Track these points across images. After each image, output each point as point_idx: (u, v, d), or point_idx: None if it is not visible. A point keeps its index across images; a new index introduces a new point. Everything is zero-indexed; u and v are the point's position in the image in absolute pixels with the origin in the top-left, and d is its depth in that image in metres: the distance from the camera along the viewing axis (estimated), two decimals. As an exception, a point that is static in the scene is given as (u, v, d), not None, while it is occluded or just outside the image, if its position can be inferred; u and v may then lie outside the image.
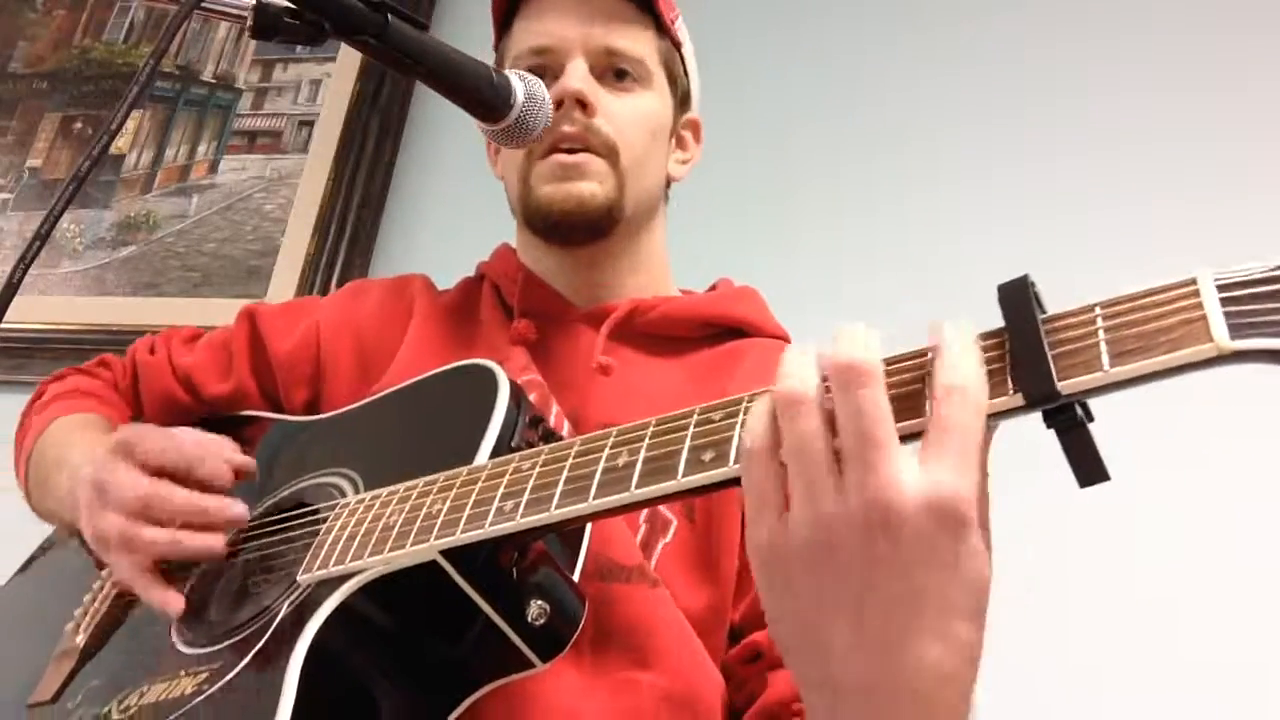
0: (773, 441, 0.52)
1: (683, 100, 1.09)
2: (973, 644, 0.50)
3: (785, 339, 1.05)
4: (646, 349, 1.00)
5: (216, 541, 0.81)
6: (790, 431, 0.51)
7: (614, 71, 1.01)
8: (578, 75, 0.98)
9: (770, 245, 1.69)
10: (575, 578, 0.72)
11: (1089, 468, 0.48)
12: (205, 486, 0.84)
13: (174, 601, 0.79)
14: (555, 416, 0.90)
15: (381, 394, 0.92)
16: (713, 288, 1.10)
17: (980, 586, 0.50)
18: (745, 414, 0.57)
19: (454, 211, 1.93)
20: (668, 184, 1.10)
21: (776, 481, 0.52)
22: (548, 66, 1.00)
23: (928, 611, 0.49)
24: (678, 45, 1.08)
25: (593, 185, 0.97)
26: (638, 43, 1.03)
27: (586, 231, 0.99)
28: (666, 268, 1.10)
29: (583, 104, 0.97)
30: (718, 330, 1.03)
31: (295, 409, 1.04)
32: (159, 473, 0.82)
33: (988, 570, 0.50)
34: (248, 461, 0.87)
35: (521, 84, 0.91)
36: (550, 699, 0.77)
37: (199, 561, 0.83)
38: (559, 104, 0.96)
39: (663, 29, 1.05)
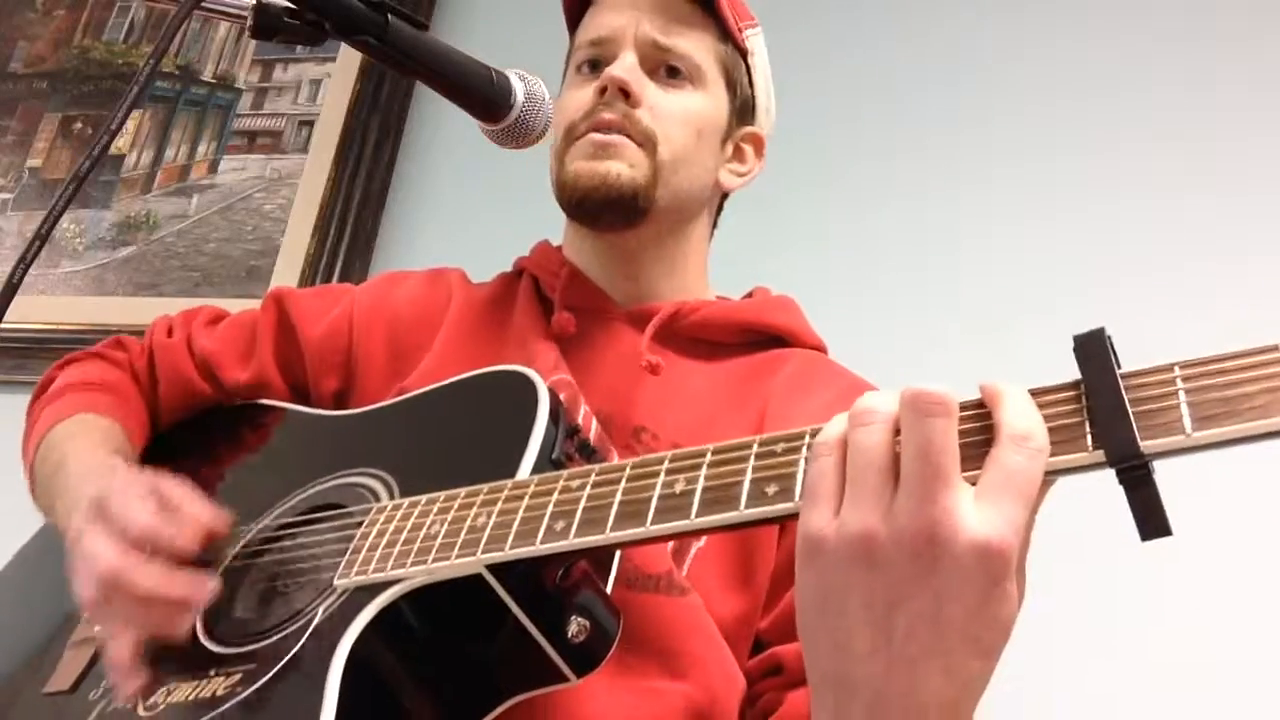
0: (840, 442, 0.54)
1: (742, 109, 1.07)
2: (981, 680, 0.52)
3: (823, 349, 1.05)
4: (687, 352, 0.99)
5: (180, 622, 0.76)
6: (856, 436, 0.53)
7: (666, 68, 1.01)
8: (624, 64, 0.98)
9: (760, 247, 1.69)
10: (609, 590, 0.72)
11: (1155, 522, 0.49)
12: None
13: (133, 682, 0.75)
14: (585, 417, 0.89)
15: (415, 394, 0.91)
16: (749, 295, 1.10)
17: (1004, 629, 0.51)
18: (807, 449, 0.58)
19: (454, 211, 1.93)
20: (723, 195, 1.09)
21: (836, 479, 0.53)
22: (602, 58, 1.01)
23: (949, 640, 0.50)
24: (744, 54, 1.07)
25: (621, 166, 0.96)
26: (692, 42, 1.02)
27: (611, 213, 0.97)
28: (704, 275, 1.09)
29: (625, 92, 0.97)
30: (757, 338, 1.02)
31: (323, 398, 1.02)
32: (129, 540, 0.77)
33: (1015, 614, 0.52)
34: (218, 529, 0.81)
35: (521, 84, 0.91)
36: (576, 706, 0.76)
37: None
38: (602, 90, 0.97)
39: (727, 34, 1.05)
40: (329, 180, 1.99)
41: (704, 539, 0.86)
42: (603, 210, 0.97)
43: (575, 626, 0.68)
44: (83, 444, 0.96)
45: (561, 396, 0.86)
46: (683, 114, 1.00)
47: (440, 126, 2.02)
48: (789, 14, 1.91)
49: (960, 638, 0.50)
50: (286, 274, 1.92)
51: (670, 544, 0.85)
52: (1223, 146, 1.62)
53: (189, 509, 0.80)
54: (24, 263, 0.63)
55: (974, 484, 0.51)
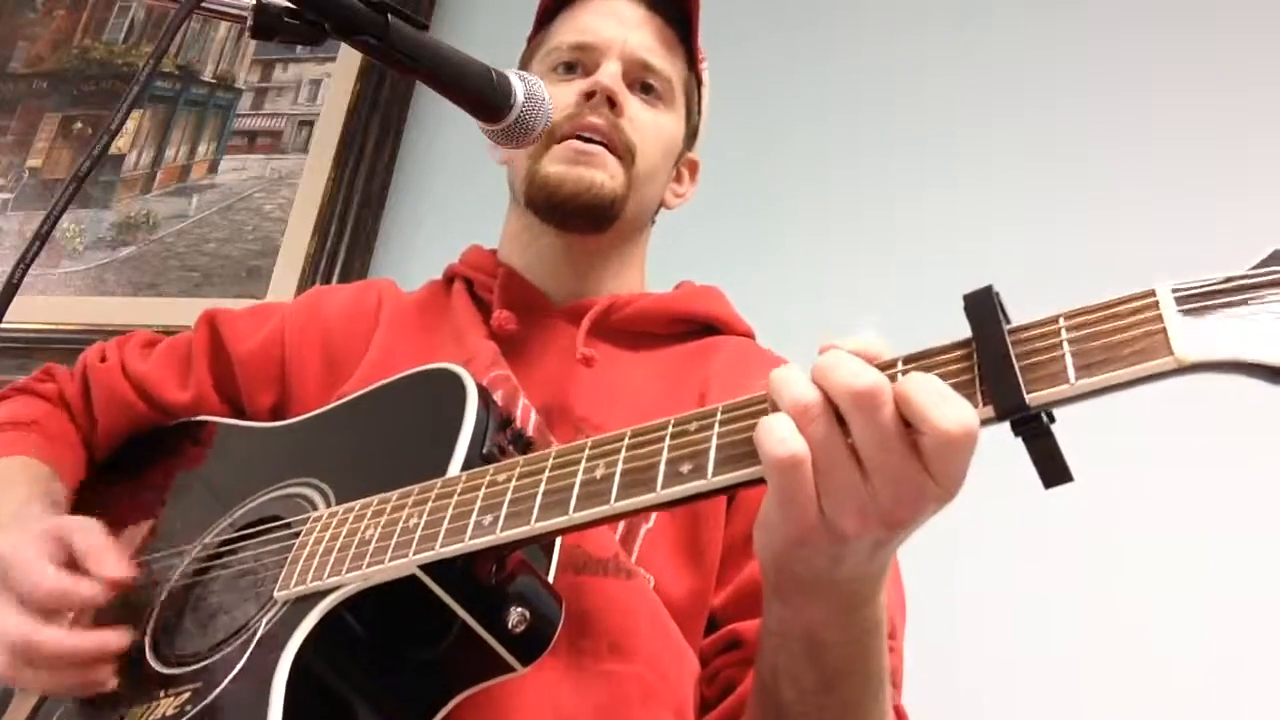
0: (805, 448, 0.56)
1: (691, 134, 1.12)
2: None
3: (751, 335, 1.08)
4: (623, 344, 1.01)
5: (101, 676, 0.76)
6: (816, 436, 0.55)
7: (642, 85, 1.04)
8: (611, 73, 1.01)
9: (757, 247, 1.69)
10: (550, 578, 0.73)
11: (1054, 471, 0.52)
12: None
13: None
14: (523, 410, 0.90)
15: (346, 399, 0.91)
16: (677, 288, 1.12)
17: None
18: (719, 424, 0.60)
19: (454, 211, 1.92)
20: (658, 208, 1.12)
21: (811, 489, 0.56)
22: (581, 63, 1.04)
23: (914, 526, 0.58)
24: (700, 83, 1.12)
25: (604, 176, 0.99)
26: (671, 65, 1.07)
27: (587, 218, 1.00)
28: (643, 277, 1.12)
29: (612, 101, 1.00)
30: (690, 328, 1.05)
31: (259, 413, 1.02)
32: (35, 606, 0.76)
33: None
34: (122, 577, 0.79)
35: (522, 84, 0.91)
36: (528, 693, 0.77)
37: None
38: (589, 95, 0.99)
39: (692, 63, 1.09)
40: (329, 180, 1.99)
41: (652, 519, 0.87)
42: (577, 215, 1.00)
43: (515, 617, 0.68)
44: (4, 491, 0.92)
45: (499, 392, 0.87)
46: (656, 131, 1.04)
47: (440, 126, 2.02)
48: (790, 14, 1.91)
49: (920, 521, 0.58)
50: (286, 274, 1.92)
51: (619, 527, 0.86)
52: (1223, 146, 1.62)
53: (96, 556, 0.79)
54: (24, 263, 0.63)
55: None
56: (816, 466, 0.55)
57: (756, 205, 1.78)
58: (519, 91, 0.91)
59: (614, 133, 0.99)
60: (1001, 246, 1.64)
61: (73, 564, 0.79)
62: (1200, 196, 1.59)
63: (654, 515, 0.88)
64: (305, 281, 1.89)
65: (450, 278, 1.11)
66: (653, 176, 1.04)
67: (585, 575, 0.82)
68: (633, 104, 1.02)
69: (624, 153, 1.00)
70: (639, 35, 1.04)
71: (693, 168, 1.16)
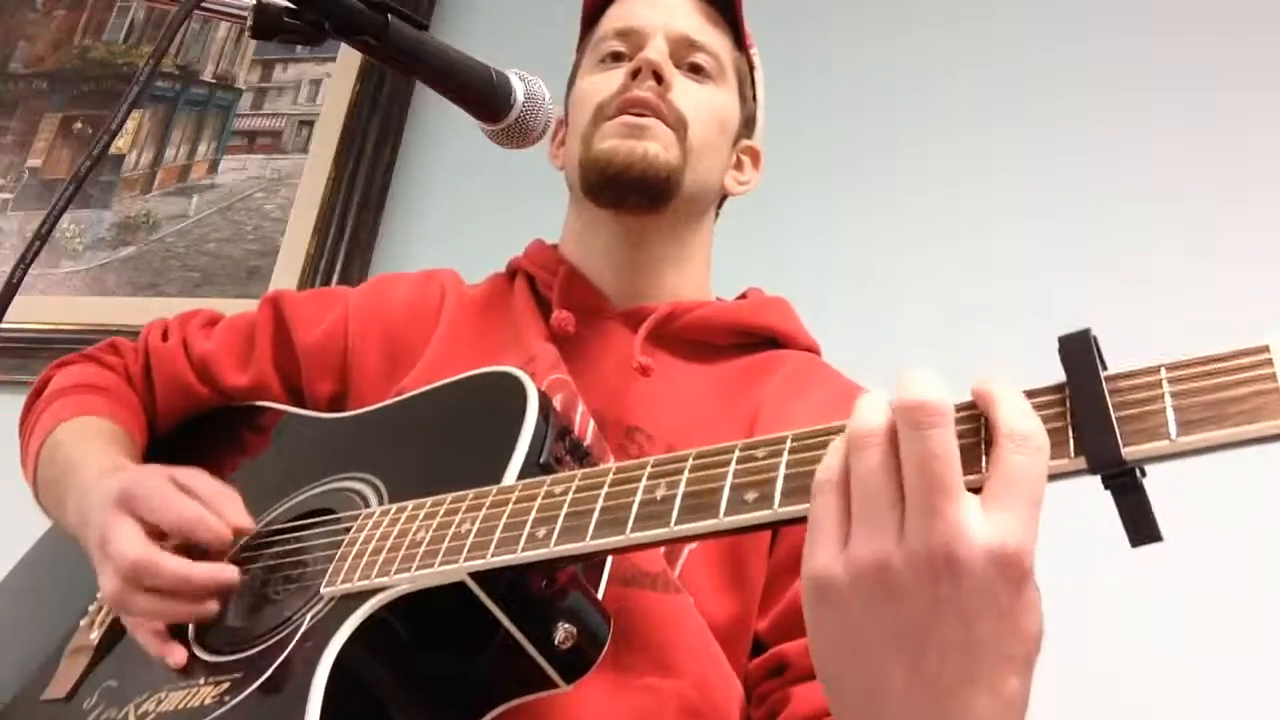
0: (843, 475, 0.51)
1: (748, 120, 1.10)
2: (1022, 696, 0.50)
3: (816, 351, 1.05)
4: (681, 353, 0.99)
5: (205, 608, 0.79)
6: (857, 465, 0.50)
7: (690, 65, 1.03)
8: (656, 50, 1.00)
9: (761, 250, 1.69)
10: (600, 595, 0.72)
11: (1144, 529, 0.48)
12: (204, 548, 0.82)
13: (174, 654, 0.78)
14: (582, 417, 0.89)
15: (407, 396, 0.91)
16: (743, 296, 1.10)
17: (1035, 638, 0.50)
18: (788, 453, 0.57)
19: (454, 211, 1.93)
20: (722, 198, 1.10)
21: (840, 515, 0.51)
22: (628, 50, 1.03)
23: (984, 661, 0.49)
24: (751, 66, 1.10)
25: (657, 146, 0.97)
26: (718, 42, 1.05)
27: (642, 193, 0.97)
28: (707, 274, 1.09)
29: (659, 76, 0.98)
30: (751, 340, 1.02)
31: (318, 401, 1.02)
32: (157, 533, 0.80)
33: (1041, 622, 0.50)
34: (246, 525, 0.84)
35: (521, 84, 0.91)
36: (569, 706, 0.76)
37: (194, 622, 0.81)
38: (635, 73, 0.98)
39: (741, 44, 1.08)
40: (329, 180, 1.99)
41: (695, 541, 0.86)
42: (632, 190, 0.97)
43: (562, 633, 0.67)
44: (92, 445, 0.96)
45: (559, 397, 0.86)
46: (708, 104, 1.02)
47: (440, 126, 2.02)
48: (794, 14, 1.91)
49: (995, 656, 0.49)
50: (286, 274, 1.92)
51: (662, 547, 0.85)
52: (1223, 146, 1.63)
53: (218, 502, 0.82)
54: (24, 263, 0.63)
55: (978, 490, 0.49)
56: (853, 493, 0.50)
57: (757, 205, 1.78)
58: (519, 91, 0.91)
59: (663, 106, 0.98)
60: (1001, 246, 1.64)
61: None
62: (1200, 197, 1.60)
63: None
64: (305, 282, 1.89)
65: (513, 272, 1.09)
66: (708, 151, 1.01)
67: (633, 589, 0.81)
68: (680, 80, 1.01)
69: (676, 124, 0.98)
70: (683, 15, 1.04)
71: (754, 156, 1.11)
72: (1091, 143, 1.69)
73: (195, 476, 0.85)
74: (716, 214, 1.11)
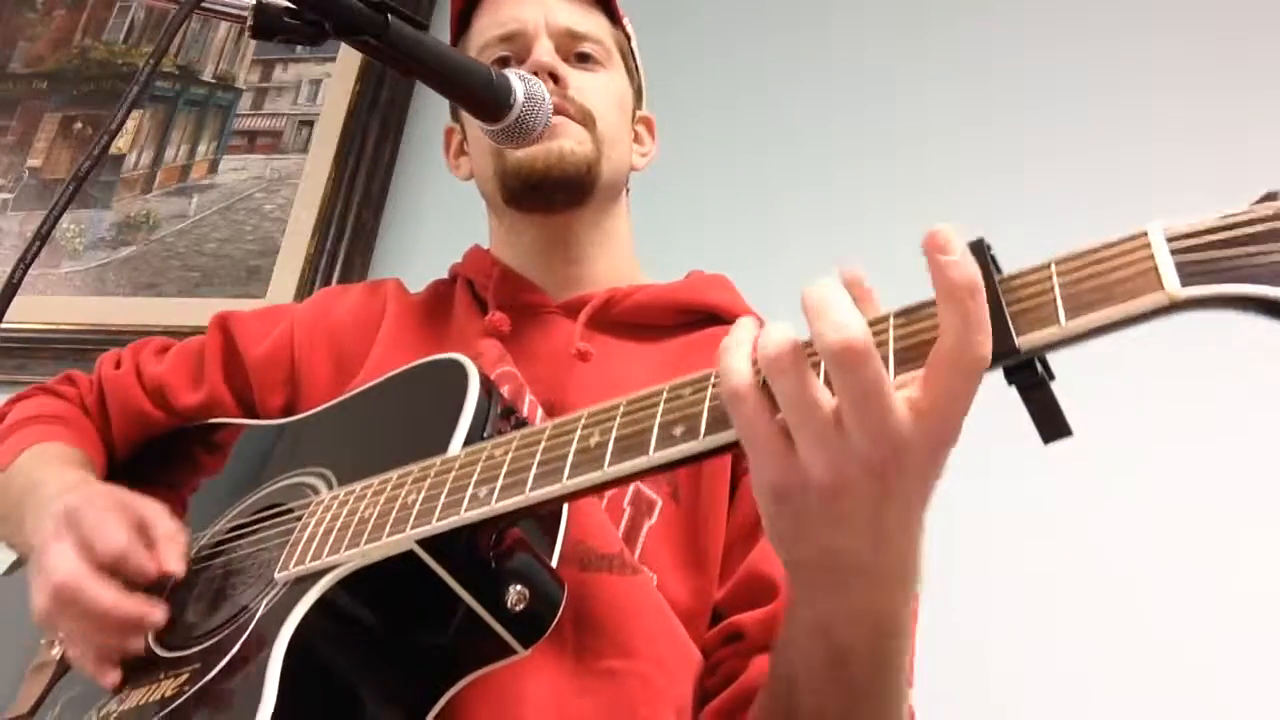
0: (756, 388, 0.55)
1: (638, 93, 1.13)
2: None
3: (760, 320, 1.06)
4: (624, 336, 1.01)
5: (130, 643, 0.77)
6: (784, 387, 0.54)
7: (576, 54, 1.05)
8: (545, 50, 1.01)
9: (759, 246, 1.69)
10: (553, 563, 0.72)
11: (1052, 424, 0.50)
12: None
13: (108, 677, 0.77)
14: (529, 407, 0.91)
15: (353, 392, 0.92)
16: (686, 277, 1.11)
17: (939, 476, 0.57)
18: (712, 386, 0.59)
19: (454, 211, 1.91)
20: (628, 173, 1.12)
21: (772, 426, 0.55)
22: (514, 54, 1.04)
23: (920, 508, 0.57)
24: (628, 38, 1.12)
25: (571, 143, 0.99)
26: (598, 25, 1.07)
27: (566, 191, 1.00)
28: (633, 256, 1.12)
29: (554, 77, 1.00)
30: (693, 318, 1.03)
31: (271, 413, 1.03)
32: (93, 556, 0.78)
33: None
34: (173, 570, 0.80)
35: (521, 84, 0.92)
36: (534, 690, 0.77)
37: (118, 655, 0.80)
38: None
39: (615, 20, 1.10)
40: (329, 180, 1.99)
41: (655, 515, 0.87)
42: (557, 189, 0.99)
43: (514, 595, 0.68)
44: (52, 467, 0.96)
45: (505, 388, 0.87)
46: (605, 92, 1.05)
47: (440, 126, 2.01)
48: (794, 14, 1.91)
49: (925, 499, 0.57)
50: (286, 274, 1.92)
51: (622, 523, 0.86)
52: (1223, 146, 1.62)
53: (161, 531, 0.81)
54: (24, 263, 0.63)
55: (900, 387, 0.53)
56: (786, 411, 0.54)
57: (758, 204, 1.78)
58: (519, 91, 0.91)
59: (567, 105, 0.99)
60: (1001, 247, 1.64)
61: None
62: (1200, 197, 1.59)
63: (657, 510, 0.87)
64: (305, 281, 1.89)
65: (454, 277, 1.11)
66: (617, 137, 1.04)
67: (590, 572, 0.82)
68: (573, 74, 1.02)
69: (584, 119, 1.00)
70: (558, 7, 1.05)
71: (649, 125, 1.15)
72: (1091, 143, 1.69)
73: (147, 505, 0.83)
74: (627, 190, 1.13)
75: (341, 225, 1.94)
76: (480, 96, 0.89)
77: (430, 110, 2.03)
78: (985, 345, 0.51)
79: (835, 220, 1.75)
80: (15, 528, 0.95)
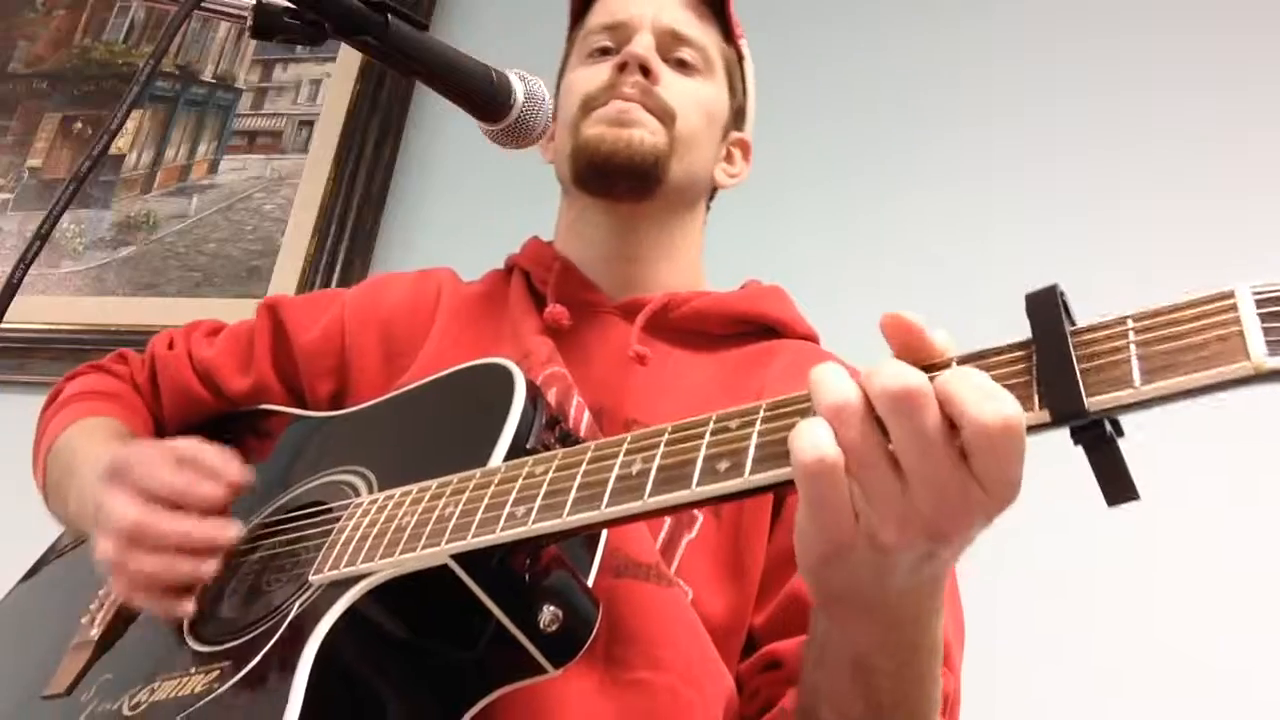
0: (839, 457, 0.52)
1: (738, 113, 1.11)
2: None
3: (814, 339, 1.05)
4: (679, 343, 0.99)
5: (207, 566, 0.78)
6: (845, 438, 0.52)
7: (676, 59, 1.04)
8: (643, 44, 1.01)
9: (770, 244, 1.69)
10: (590, 581, 0.71)
11: (1117, 486, 0.48)
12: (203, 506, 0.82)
13: (184, 606, 0.78)
14: (577, 409, 0.89)
15: (399, 391, 0.91)
16: (742, 287, 1.10)
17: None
18: (761, 422, 0.57)
19: (454, 211, 1.93)
20: (712, 191, 1.11)
21: (844, 496, 0.53)
22: (615, 44, 1.03)
23: (962, 547, 0.56)
24: (740, 58, 1.11)
25: (644, 132, 0.98)
26: (705, 34, 1.06)
27: (629, 179, 0.98)
28: (700, 267, 1.10)
29: (645, 70, 0.99)
30: (749, 329, 1.02)
31: (319, 401, 1.02)
32: (152, 498, 0.80)
33: None
34: (244, 480, 0.83)
35: (521, 84, 0.92)
36: (563, 699, 0.76)
37: (195, 583, 0.81)
38: (621, 67, 0.99)
39: (729, 37, 1.09)
40: (329, 180, 1.99)
41: (695, 529, 0.86)
42: (621, 176, 0.98)
43: (548, 615, 0.67)
44: (98, 439, 0.97)
45: (553, 390, 0.87)
46: (695, 97, 1.03)
47: (440, 126, 2.02)
48: (795, 14, 1.91)
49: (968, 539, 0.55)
50: (286, 274, 1.92)
51: (661, 535, 0.85)
52: (1223, 146, 1.62)
53: (210, 463, 0.83)
54: (24, 263, 0.63)
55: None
56: (851, 472, 0.52)
57: (760, 203, 1.78)
58: (519, 91, 0.91)
59: (648, 99, 0.99)
60: (1001, 246, 1.64)
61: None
62: (1200, 196, 1.59)
63: (697, 525, 0.86)
64: (305, 281, 1.89)
65: (510, 268, 1.10)
66: (696, 141, 1.02)
67: (624, 579, 0.81)
68: (668, 74, 1.01)
69: (663, 115, 0.99)
70: (671, 9, 1.04)
71: (745, 148, 1.12)
72: (1091, 143, 1.69)
73: (190, 443, 0.85)
74: (708, 207, 1.12)
75: (341, 225, 1.94)
76: (480, 97, 0.89)
77: (430, 110, 2.03)
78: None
79: (834, 220, 1.75)
80: (63, 500, 0.97)
